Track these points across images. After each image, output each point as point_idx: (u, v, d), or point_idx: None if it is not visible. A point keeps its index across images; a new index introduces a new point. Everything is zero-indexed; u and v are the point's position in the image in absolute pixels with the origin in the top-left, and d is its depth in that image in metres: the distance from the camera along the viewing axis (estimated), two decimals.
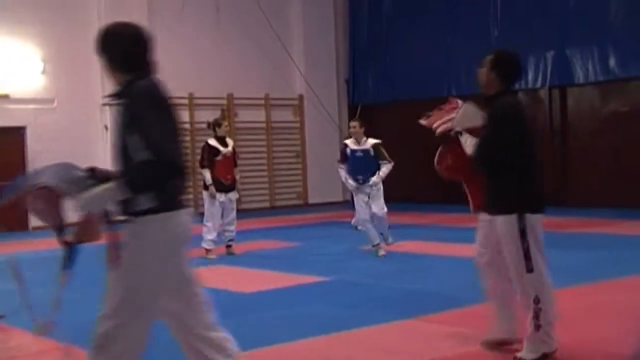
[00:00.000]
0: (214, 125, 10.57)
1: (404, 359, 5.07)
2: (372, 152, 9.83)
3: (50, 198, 3.38)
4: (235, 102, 18.02)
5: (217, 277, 8.84)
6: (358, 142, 9.94)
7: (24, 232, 13.82)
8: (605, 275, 7.78)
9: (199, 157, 10.80)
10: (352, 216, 11.44)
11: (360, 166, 9.87)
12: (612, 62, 14.88)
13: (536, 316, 4.64)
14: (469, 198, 5.19)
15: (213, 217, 10.33)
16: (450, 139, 4.99)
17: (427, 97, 14.54)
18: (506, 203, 4.67)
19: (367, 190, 9.88)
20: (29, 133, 15.43)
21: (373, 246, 9.93)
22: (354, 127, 10.01)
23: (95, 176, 3.40)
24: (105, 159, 12.14)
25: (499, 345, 5.00)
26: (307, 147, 19.12)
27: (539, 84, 16.08)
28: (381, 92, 19.10)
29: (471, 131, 4.87)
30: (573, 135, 15.93)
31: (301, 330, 5.84)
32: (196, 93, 17.29)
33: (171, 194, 3.38)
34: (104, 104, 13.44)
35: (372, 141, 9.90)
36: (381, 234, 10.06)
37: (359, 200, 9.98)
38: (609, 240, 10.77)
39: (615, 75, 14.89)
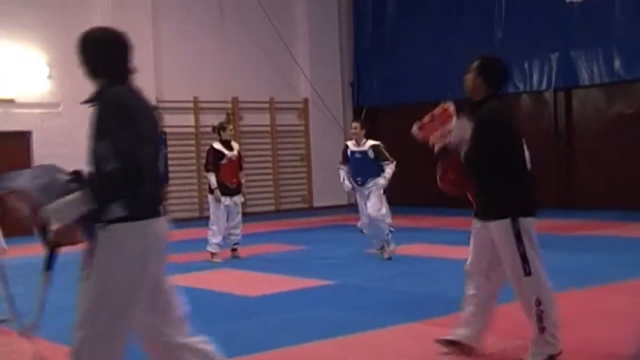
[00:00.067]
0: (219, 129, 10.59)
1: None
2: (370, 154, 9.80)
3: (27, 201, 3.32)
4: (240, 105, 18.02)
5: (223, 281, 8.87)
6: (358, 144, 9.95)
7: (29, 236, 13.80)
8: (610, 278, 7.77)
9: (204, 161, 10.83)
10: (358, 219, 11.43)
11: (359, 168, 9.87)
12: (617, 63, 14.85)
13: (539, 318, 4.62)
14: (474, 205, 5.16)
15: (218, 220, 10.34)
16: (450, 152, 4.92)
17: (432, 100, 14.43)
18: (499, 208, 4.67)
19: (366, 192, 9.87)
20: (34, 137, 15.44)
21: (378, 249, 9.93)
22: (355, 128, 10.01)
23: (80, 179, 3.35)
24: None
25: (454, 346, 4.91)
26: (312, 150, 19.11)
27: (544, 86, 16.05)
28: (386, 94, 19.07)
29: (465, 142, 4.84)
30: (578, 137, 15.89)
31: (306, 334, 5.84)
32: (201, 97, 17.31)
33: (144, 202, 3.31)
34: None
35: (370, 142, 9.88)
36: (382, 242, 9.76)
37: (361, 203, 9.99)
38: (614, 242, 10.74)
39: (620, 76, 14.85)
